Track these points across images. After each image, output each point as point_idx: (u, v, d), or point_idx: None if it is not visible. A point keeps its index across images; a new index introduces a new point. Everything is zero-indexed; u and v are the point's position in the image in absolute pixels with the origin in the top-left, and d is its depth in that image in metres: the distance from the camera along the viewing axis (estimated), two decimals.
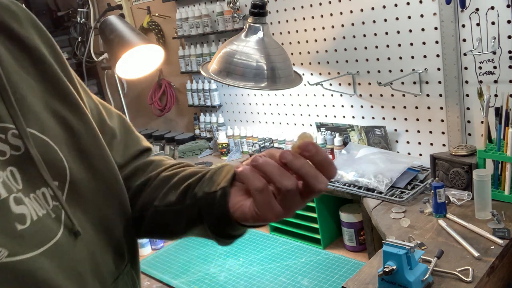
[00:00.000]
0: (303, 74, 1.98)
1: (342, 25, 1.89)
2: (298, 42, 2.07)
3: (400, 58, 1.75)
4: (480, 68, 1.54)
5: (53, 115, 0.57)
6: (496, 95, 1.50)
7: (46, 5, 3.24)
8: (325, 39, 1.97)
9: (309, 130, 2.18)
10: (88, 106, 0.64)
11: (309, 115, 2.15)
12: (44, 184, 0.52)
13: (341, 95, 2.00)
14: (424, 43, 1.67)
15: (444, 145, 1.72)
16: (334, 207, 1.78)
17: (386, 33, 1.76)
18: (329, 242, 1.80)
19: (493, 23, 1.46)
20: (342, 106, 2.02)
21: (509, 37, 1.45)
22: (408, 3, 1.66)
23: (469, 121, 1.64)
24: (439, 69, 1.65)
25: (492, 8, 1.45)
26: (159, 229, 0.69)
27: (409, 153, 1.84)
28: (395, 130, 1.86)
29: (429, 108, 1.73)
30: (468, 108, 1.63)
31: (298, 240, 1.86)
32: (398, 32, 1.72)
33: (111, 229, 0.61)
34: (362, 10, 1.80)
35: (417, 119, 1.78)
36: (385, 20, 1.74)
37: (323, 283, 1.54)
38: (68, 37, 3.15)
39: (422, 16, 1.64)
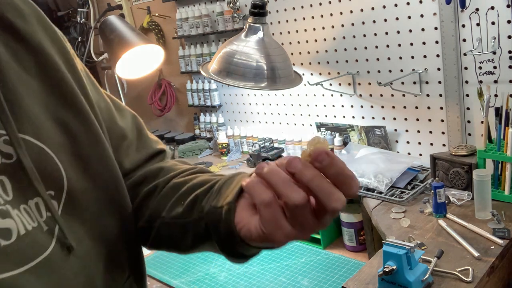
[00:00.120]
0: (303, 74, 1.98)
1: (342, 25, 1.89)
2: (298, 42, 2.07)
3: (400, 58, 1.75)
4: (480, 68, 1.54)
5: (52, 119, 0.53)
6: (496, 95, 1.50)
7: (46, 5, 3.24)
8: (325, 39, 1.97)
9: (309, 130, 2.18)
10: (96, 105, 0.60)
11: (309, 115, 2.15)
12: (37, 194, 0.49)
13: (341, 95, 2.00)
14: (424, 43, 1.67)
15: (444, 145, 1.72)
16: None
17: (386, 33, 1.76)
18: (329, 242, 1.80)
19: (493, 23, 1.46)
20: (342, 106, 2.02)
21: (509, 37, 1.45)
22: (408, 3, 1.66)
23: (469, 121, 1.64)
24: (439, 69, 1.65)
25: (492, 8, 1.45)
26: (167, 242, 0.63)
27: (409, 153, 1.84)
28: (395, 130, 1.86)
29: (429, 108, 1.73)
30: (468, 108, 1.63)
31: (298, 240, 1.86)
32: (398, 32, 1.72)
33: (111, 241, 0.57)
34: (362, 10, 1.80)
35: (417, 119, 1.78)
36: (385, 20, 1.74)
37: (323, 283, 1.54)
38: (68, 37, 3.14)
39: (422, 16, 1.64)
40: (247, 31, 1.59)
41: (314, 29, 1.99)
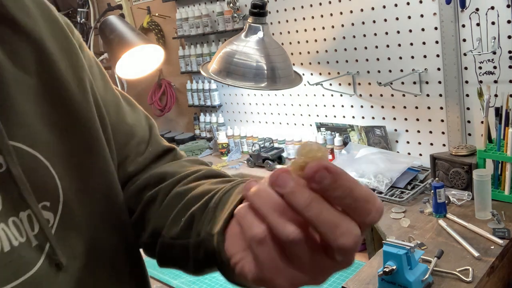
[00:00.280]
0: (303, 74, 1.98)
1: (342, 25, 1.89)
2: (298, 42, 2.07)
3: (400, 58, 1.75)
4: (480, 68, 1.54)
5: (49, 124, 0.49)
6: (496, 95, 1.50)
7: None
8: (325, 39, 1.97)
9: (309, 130, 2.18)
10: (102, 102, 0.56)
11: (309, 115, 2.15)
12: (28, 205, 0.45)
13: (341, 95, 1.99)
14: (424, 43, 1.67)
15: (444, 145, 1.72)
16: None
17: (386, 33, 1.76)
18: None
19: (493, 23, 1.46)
20: (342, 106, 2.01)
21: (509, 37, 1.45)
22: (408, 3, 1.66)
23: (469, 121, 1.64)
24: (439, 69, 1.65)
25: (492, 8, 1.45)
26: (172, 263, 0.57)
27: (409, 153, 1.84)
28: (395, 130, 1.86)
29: (429, 108, 1.73)
30: (468, 108, 1.63)
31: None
32: (398, 32, 1.72)
33: (108, 256, 0.53)
34: (362, 10, 1.80)
35: (417, 119, 1.78)
36: (385, 20, 1.74)
37: (323, 283, 1.54)
38: None
39: (422, 16, 1.64)
40: (247, 31, 1.59)
41: (314, 29, 1.99)
